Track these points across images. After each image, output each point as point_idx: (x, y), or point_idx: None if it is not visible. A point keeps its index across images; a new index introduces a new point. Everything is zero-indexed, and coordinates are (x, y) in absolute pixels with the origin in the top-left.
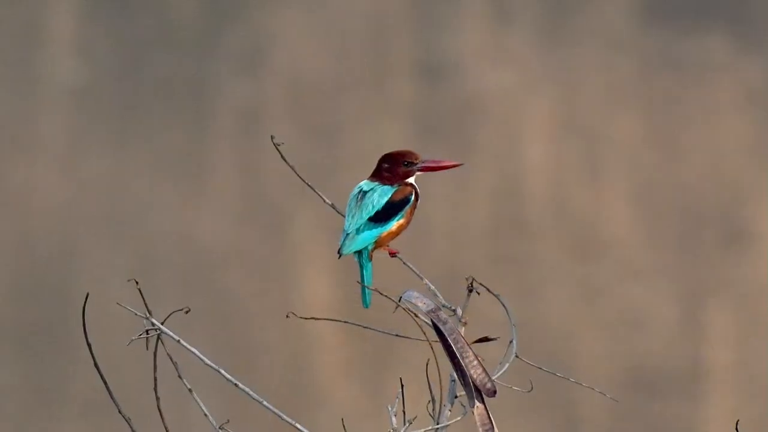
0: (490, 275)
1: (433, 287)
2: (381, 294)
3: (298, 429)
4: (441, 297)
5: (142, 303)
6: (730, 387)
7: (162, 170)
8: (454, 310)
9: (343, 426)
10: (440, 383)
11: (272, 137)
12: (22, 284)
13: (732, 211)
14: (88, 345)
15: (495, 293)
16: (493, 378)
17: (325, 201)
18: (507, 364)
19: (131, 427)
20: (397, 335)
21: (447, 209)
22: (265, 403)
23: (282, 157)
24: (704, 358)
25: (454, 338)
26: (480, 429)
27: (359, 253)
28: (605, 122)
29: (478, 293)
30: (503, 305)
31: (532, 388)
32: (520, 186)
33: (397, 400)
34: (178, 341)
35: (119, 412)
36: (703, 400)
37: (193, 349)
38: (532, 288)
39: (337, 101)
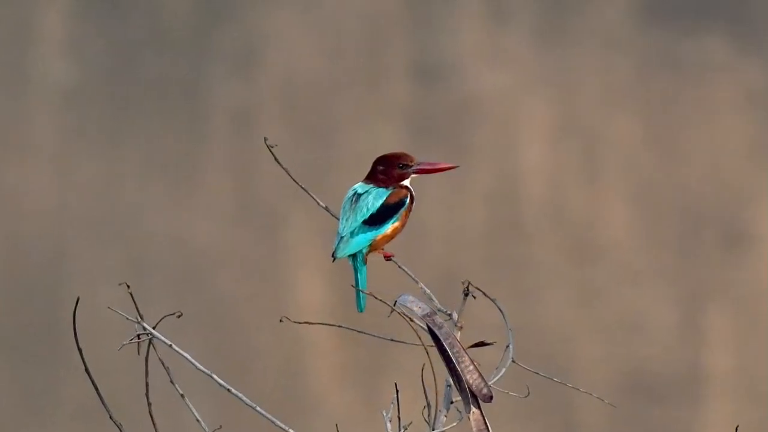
0: (487, 279)
1: (428, 291)
2: (376, 298)
3: None
4: (436, 301)
5: (134, 307)
6: (729, 391)
7: (154, 172)
8: (450, 315)
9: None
10: (436, 388)
11: (265, 139)
12: (13, 287)
13: (732, 213)
14: (79, 349)
15: (491, 297)
16: (490, 383)
17: (318, 203)
18: (503, 369)
19: None
20: (392, 340)
21: (443, 212)
22: (258, 408)
23: (275, 158)
24: (704, 362)
25: (450, 343)
26: None
27: (353, 256)
28: (603, 123)
29: (474, 297)
30: (499, 309)
31: (528, 393)
32: (516, 188)
33: (392, 405)
34: (170, 346)
35: (110, 417)
36: (703, 405)
37: (185, 354)
38: (529, 291)
39: (332, 102)
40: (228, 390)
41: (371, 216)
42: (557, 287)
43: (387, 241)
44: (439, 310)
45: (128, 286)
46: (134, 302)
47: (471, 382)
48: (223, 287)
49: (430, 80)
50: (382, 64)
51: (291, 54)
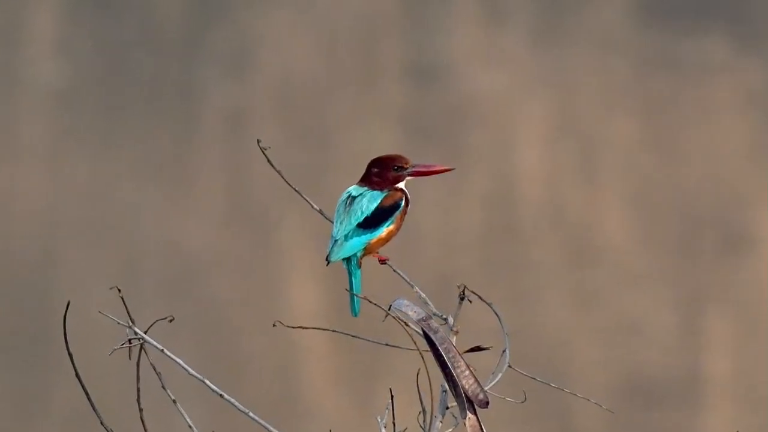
0: (483, 282)
1: (423, 295)
2: (370, 302)
3: None
4: (432, 305)
5: (125, 311)
6: (729, 396)
7: (146, 174)
8: (446, 319)
9: None
10: (431, 393)
11: (258, 141)
12: (2, 291)
13: (731, 215)
14: (70, 354)
15: (487, 301)
16: (486, 388)
17: (312, 206)
18: (500, 374)
19: None
20: (386, 344)
21: (438, 214)
22: (251, 414)
23: (268, 161)
24: (703, 366)
25: (446, 347)
26: None
27: (348, 260)
28: (601, 125)
29: (470, 301)
30: (496, 313)
31: (525, 398)
32: (513, 190)
33: (386, 410)
34: (162, 351)
35: (101, 423)
36: (702, 410)
37: (177, 359)
38: (526, 295)
39: (327, 104)
40: (220, 395)
41: (366, 219)
42: (554, 290)
43: (382, 245)
44: (434, 315)
45: (119, 290)
46: (125, 306)
47: (467, 387)
48: (215, 291)
49: (426, 81)
50: (378, 65)
51: (285, 55)
